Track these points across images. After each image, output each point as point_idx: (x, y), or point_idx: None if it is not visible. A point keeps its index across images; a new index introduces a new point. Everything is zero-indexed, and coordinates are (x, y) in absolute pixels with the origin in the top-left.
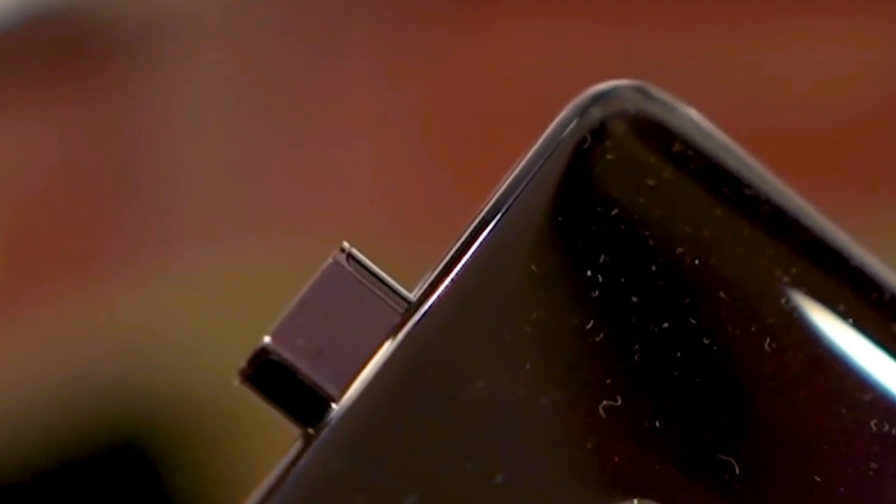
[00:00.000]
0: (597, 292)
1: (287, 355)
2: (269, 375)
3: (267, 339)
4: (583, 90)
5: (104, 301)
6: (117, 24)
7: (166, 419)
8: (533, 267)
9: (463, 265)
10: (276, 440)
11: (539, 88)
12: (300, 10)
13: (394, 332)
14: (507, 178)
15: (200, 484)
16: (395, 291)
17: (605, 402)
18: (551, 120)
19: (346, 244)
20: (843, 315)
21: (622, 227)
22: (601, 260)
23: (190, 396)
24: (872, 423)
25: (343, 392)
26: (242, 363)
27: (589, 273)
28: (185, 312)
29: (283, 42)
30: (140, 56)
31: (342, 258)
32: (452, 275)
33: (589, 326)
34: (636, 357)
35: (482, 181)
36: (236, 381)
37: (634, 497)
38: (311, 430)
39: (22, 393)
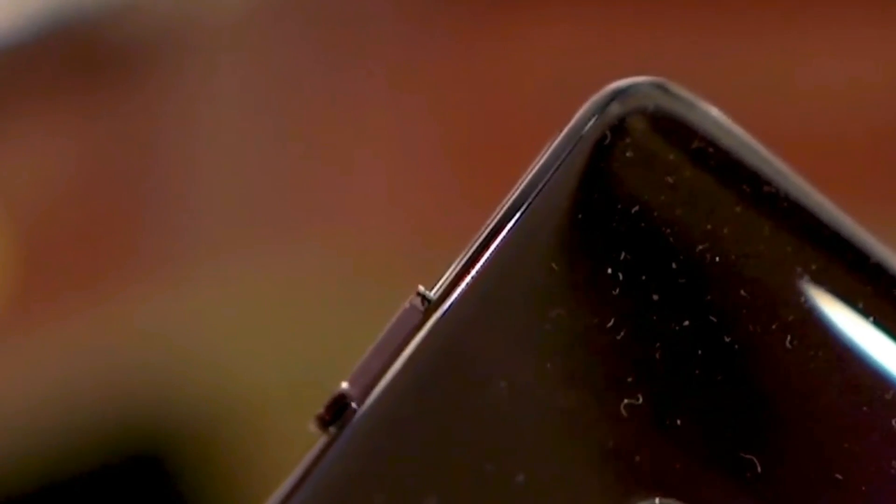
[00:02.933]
0: (617, 290)
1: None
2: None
3: (345, 384)
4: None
5: (121, 313)
6: (134, 37)
7: (183, 430)
8: (553, 265)
9: (483, 263)
10: (294, 449)
11: (555, 92)
12: (316, 21)
13: (414, 332)
14: (527, 174)
15: (217, 492)
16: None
17: (626, 401)
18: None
19: (421, 287)
20: (864, 312)
21: (642, 224)
22: (622, 257)
23: (207, 407)
24: (893, 421)
25: (364, 392)
26: (321, 409)
27: (609, 271)
28: (204, 322)
29: (300, 53)
30: (157, 69)
31: (417, 302)
32: (472, 273)
33: (610, 324)
34: (657, 355)
35: (499, 185)
36: (312, 427)
37: (656, 495)
38: (332, 430)
39: (41, 405)
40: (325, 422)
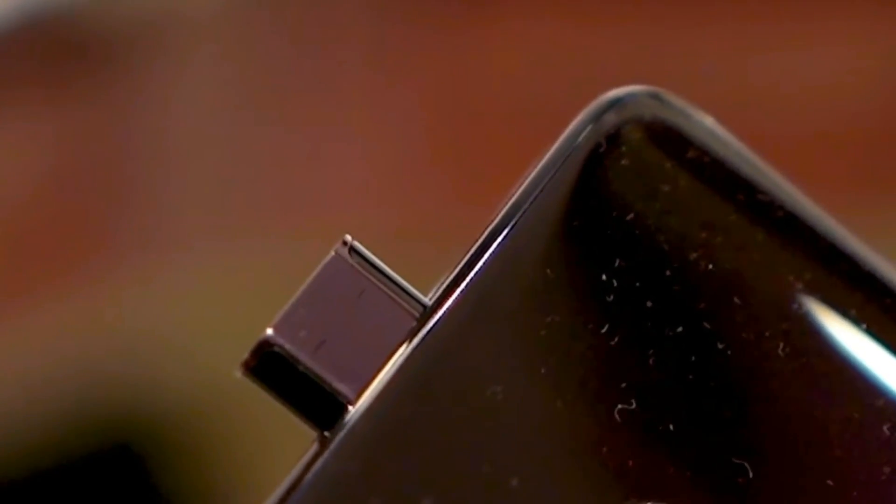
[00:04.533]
0: (612, 297)
1: (289, 346)
2: (272, 367)
3: (269, 330)
4: (581, 90)
5: (100, 303)
6: (111, 27)
7: (163, 421)
8: (548, 271)
9: (479, 269)
10: (275, 442)
11: (538, 89)
12: (296, 12)
13: (410, 336)
14: (522, 182)
15: (196, 485)
16: (403, 288)
17: (620, 406)
18: (548, 119)
19: (348, 237)
20: (857, 320)
21: (637, 232)
22: (616, 265)
23: (186, 398)
24: (886, 428)
25: (359, 395)
26: (245, 355)
27: (604, 278)
28: (181, 314)
29: (279, 45)
30: (134, 59)
31: (344, 251)
32: (468, 279)
33: (604, 331)
34: (651, 361)
35: (480, 182)
36: (238, 373)
37: (649, 501)
38: (326, 434)
39: (18, 395)
40: (249, 366)
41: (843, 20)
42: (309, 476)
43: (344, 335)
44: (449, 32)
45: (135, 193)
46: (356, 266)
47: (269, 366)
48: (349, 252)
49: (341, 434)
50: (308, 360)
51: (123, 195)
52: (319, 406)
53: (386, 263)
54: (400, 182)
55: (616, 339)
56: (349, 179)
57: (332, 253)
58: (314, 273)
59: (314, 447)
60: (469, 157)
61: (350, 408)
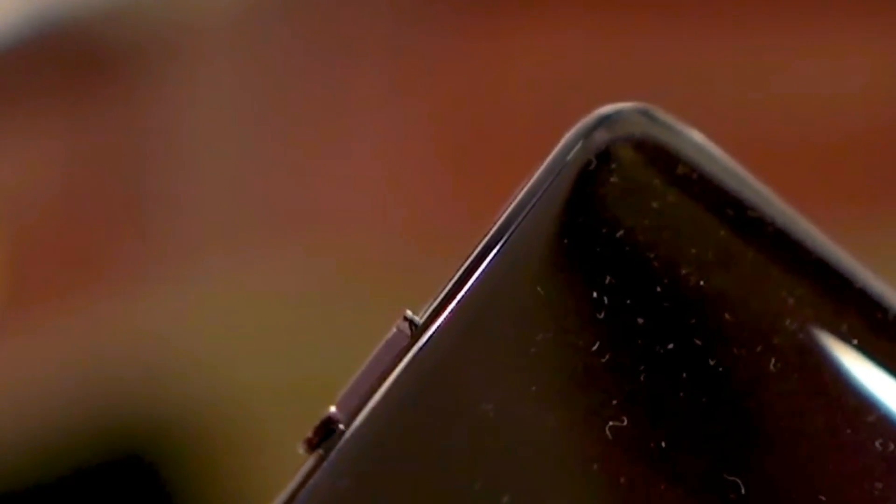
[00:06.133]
0: (602, 314)
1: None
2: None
3: (333, 408)
4: (589, 101)
5: (112, 312)
6: (124, 38)
7: (173, 428)
8: (539, 289)
9: (469, 288)
10: (283, 451)
11: (546, 97)
12: (309, 24)
13: (401, 355)
14: (513, 200)
15: (207, 493)
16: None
17: (611, 423)
18: (557, 130)
19: (408, 312)
20: (847, 336)
21: (627, 249)
22: (606, 282)
23: (197, 406)
24: (877, 443)
25: (352, 414)
26: (309, 433)
27: (594, 295)
28: (193, 323)
29: (290, 55)
30: (147, 70)
31: (405, 327)
32: (458, 297)
33: (595, 348)
34: (642, 378)
35: (488, 191)
36: (301, 450)
37: None
38: (320, 451)
39: (31, 402)
40: (312, 445)
41: (850, 33)
42: (303, 493)
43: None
44: (464, 43)
45: (148, 203)
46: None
47: (328, 438)
48: (410, 327)
49: (335, 451)
50: None
51: (136, 206)
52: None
53: (396, 272)
54: (409, 193)
55: (607, 357)
56: (363, 189)
57: (394, 329)
58: (376, 348)
59: (309, 463)
60: (483, 168)
61: (341, 426)
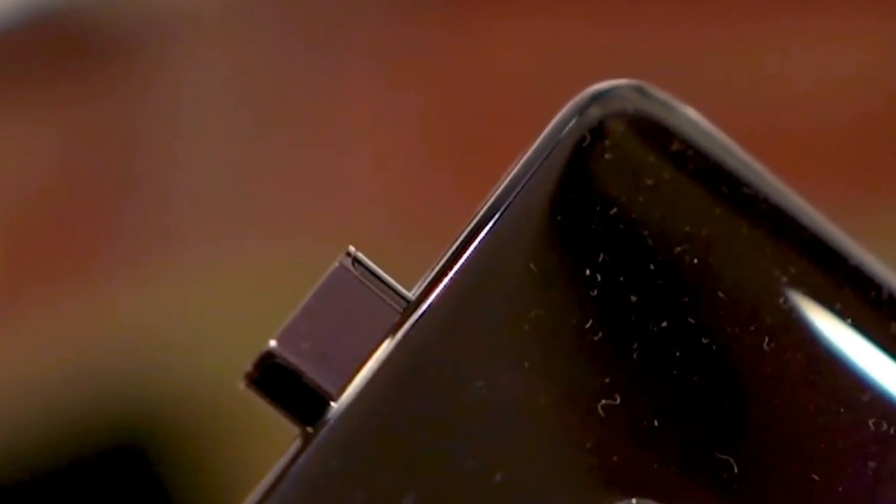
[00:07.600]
0: (595, 291)
1: (292, 359)
2: (274, 379)
3: (272, 342)
4: (582, 90)
5: (104, 301)
6: (117, 24)
7: (166, 419)
8: (532, 266)
9: (461, 264)
10: (276, 440)
11: (538, 88)
12: (300, 10)
13: (392, 331)
14: (506, 176)
15: (200, 484)
16: (396, 291)
17: (603, 401)
18: (551, 119)
19: (351, 248)
20: (842, 314)
21: (621, 225)
22: (600, 259)
23: (189, 396)
24: (871, 423)
25: (342, 391)
26: (248, 367)
27: (588, 272)
28: (185, 312)
29: (283, 42)
30: (140, 56)
31: (348, 262)
32: (451, 273)
33: (588, 325)
34: (635, 356)
35: (482, 181)
36: (241, 385)
37: (633, 496)
38: (309, 429)
39: (21, 393)
40: (252, 379)
41: (845, 18)
42: (291, 472)
43: (342, 342)
44: (455, 33)
45: (140, 192)
46: (359, 277)
47: (271, 377)
48: (353, 263)
49: (324, 430)
50: (311, 371)
51: (129, 193)
52: (306, 405)
53: (389, 263)
54: (403, 182)
55: (600, 334)
56: (353, 179)
57: (336, 264)
58: (317, 284)
59: (297, 443)
60: (475, 158)
61: (332, 404)
